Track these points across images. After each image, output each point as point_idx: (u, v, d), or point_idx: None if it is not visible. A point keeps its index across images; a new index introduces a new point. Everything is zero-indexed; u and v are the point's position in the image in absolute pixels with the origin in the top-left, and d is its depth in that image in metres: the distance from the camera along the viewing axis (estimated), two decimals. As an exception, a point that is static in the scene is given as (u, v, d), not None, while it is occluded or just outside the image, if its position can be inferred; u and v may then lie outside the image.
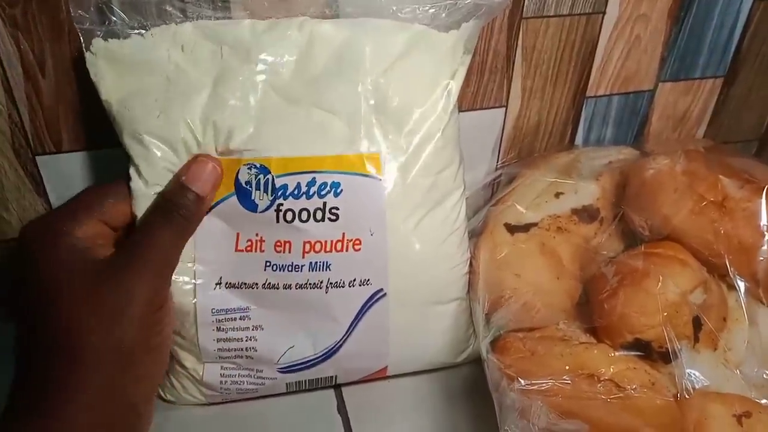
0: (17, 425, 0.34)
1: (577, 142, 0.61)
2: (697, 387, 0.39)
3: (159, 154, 0.41)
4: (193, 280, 0.42)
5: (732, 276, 0.43)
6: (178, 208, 0.39)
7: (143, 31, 0.41)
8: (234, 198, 0.41)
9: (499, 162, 0.60)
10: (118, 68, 0.41)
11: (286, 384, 0.47)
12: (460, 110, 0.54)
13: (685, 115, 0.64)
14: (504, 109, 0.57)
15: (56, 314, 0.36)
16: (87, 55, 0.41)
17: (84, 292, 0.36)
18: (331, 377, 0.48)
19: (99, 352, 0.35)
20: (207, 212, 0.41)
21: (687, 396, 0.39)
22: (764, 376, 0.42)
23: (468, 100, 0.55)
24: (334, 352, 0.45)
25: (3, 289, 0.52)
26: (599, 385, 0.38)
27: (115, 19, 0.40)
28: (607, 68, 0.58)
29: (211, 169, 0.40)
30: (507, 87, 0.55)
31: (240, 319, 0.43)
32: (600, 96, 0.59)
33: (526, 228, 0.48)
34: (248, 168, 0.41)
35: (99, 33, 0.40)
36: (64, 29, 0.43)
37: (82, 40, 0.41)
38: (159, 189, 0.41)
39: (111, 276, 0.36)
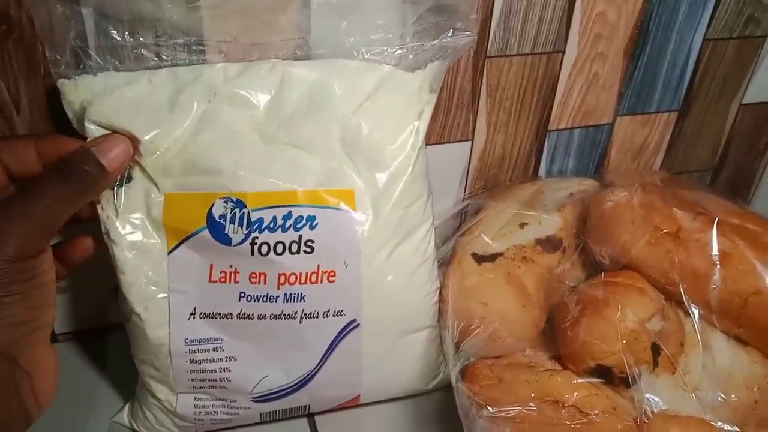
0: None
1: (541, 173, 0.64)
2: (655, 411, 0.41)
3: None
4: (167, 311, 0.43)
5: (686, 303, 0.46)
6: (78, 172, 0.37)
7: (116, 72, 0.42)
8: (206, 232, 0.42)
9: (467, 192, 0.62)
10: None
11: (260, 414, 0.48)
12: (429, 144, 0.56)
13: (643, 146, 0.67)
14: (470, 142, 0.59)
15: None
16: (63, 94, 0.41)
17: None
18: (305, 406, 0.48)
19: None
20: (183, 242, 0.42)
21: (646, 420, 0.40)
22: (720, 398, 0.44)
23: (436, 134, 0.57)
24: (308, 381, 0.46)
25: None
26: (564, 411, 0.40)
27: (90, 63, 0.41)
28: (568, 103, 0.60)
29: (123, 147, 0.39)
30: (473, 122, 0.58)
31: (213, 350, 0.44)
32: (561, 129, 0.62)
33: (492, 258, 0.50)
34: (224, 202, 0.42)
35: (74, 76, 0.41)
36: (40, 68, 0.44)
37: (56, 81, 0.41)
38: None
39: None
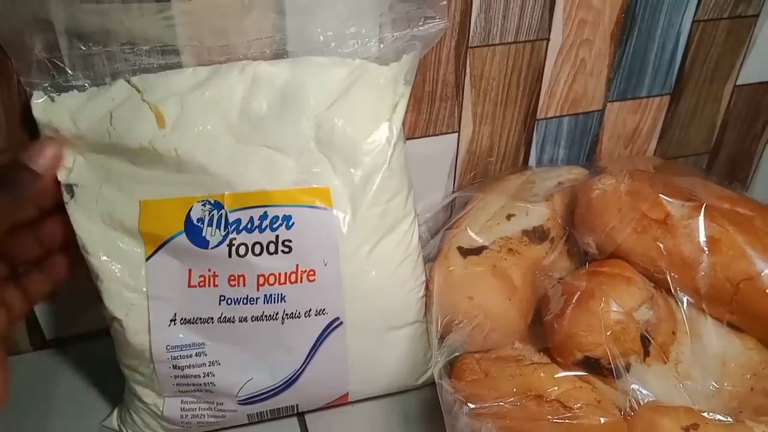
0: None
1: (531, 164, 0.63)
2: (642, 402, 0.40)
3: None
4: (147, 318, 0.43)
5: (674, 291, 0.45)
6: (12, 181, 0.39)
7: (88, 83, 0.42)
8: (183, 236, 0.42)
9: (456, 185, 0.61)
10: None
11: (248, 415, 0.47)
12: (415, 137, 0.56)
13: (635, 132, 0.65)
14: (457, 134, 0.58)
15: None
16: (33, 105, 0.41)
17: None
18: (293, 406, 0.48)
19: None
20: (160, 248, 0.42)
21: (631, 412, 0.40)
22: (711, 387, 0.43)
23: (421, 127, 0.56)
24: (293, 381, 0.46)
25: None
26: (546, 405, 0.39)
27: (59, 73, 0.41)
28: (555, 91, 0.59)
29: (52, 150, 0.40)
30: (458, 113, 0.57)
31: (196, 355, 0.44)
32: (550, 118, 0.61)
33: (478, 251, 0.49)
34: (202, 204, 0.42)
35: (45, 84, 0.41)
36: (13, 77, 0.43)
37: (28, 92, 0.41)
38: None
39: None
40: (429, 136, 0.57)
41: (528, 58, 0.57)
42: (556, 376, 0.41)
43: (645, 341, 0.44)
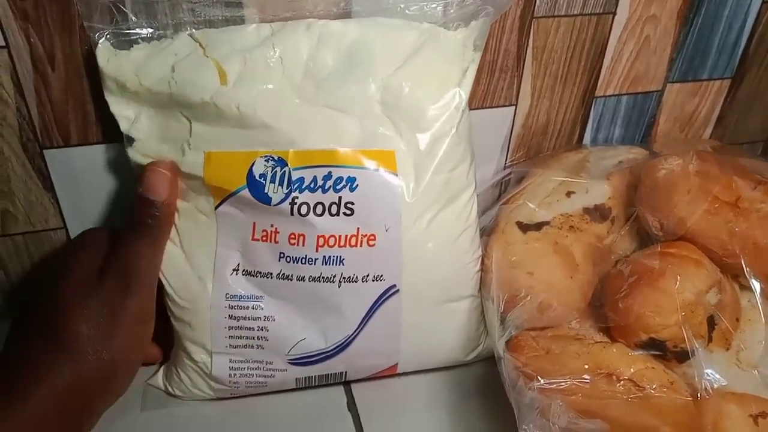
0: None
1: (585, 142, 0.61)
2: (715, 386, 0.39)
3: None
4: (212, 264, 0.43)
5: (748, 276, 0.43)
6: (145, 218, 0.41)
7: (150, 32, 0.42)
8: (246, 191, 0.41)
9: (508, 160, 0.60)
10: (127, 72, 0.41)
11: (296, 379, 0.47)
12: (471, 108, 0.54)
13: (693, 116, 0.64)
14: (514, 107, 0.56)
15: (62, 312, 0.39)
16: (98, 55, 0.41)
17: (83, 301, 0.40)
18: (341, 373, 0.47)
19: (85, 350, 0.39)
20: (224, 201, 0.42)
21: (706, 396, 0.39)
22: (779, 376, 0.42)
23: (478, 98, 0.55)
24: (345, 347, 0.45)
25: (6, 283, 0.52)
26: (618, 384, 0.38)
27: (122, 19, 0.41)
28: (617, 68, 0.58)
29: (162, 175, 0.41)
30: (517, 86, 0.55)
31: (253, 308, 0.43)
32: (609, 96, 0.59)
33: (538, 227, 0.48)
34: (265, 160, 0.41)
35: (107, 32, 0.41)
36: (75, 23, 0.42)
37: (91, 38, 0.41)
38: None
39: (103, 292, 0.40)
40: (485, 107, 0.55)
41: (592, 31, 0.55)
42: (629, 354, 0.40)
43: (711, 326, 0.43)
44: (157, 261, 0.42)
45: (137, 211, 0.41)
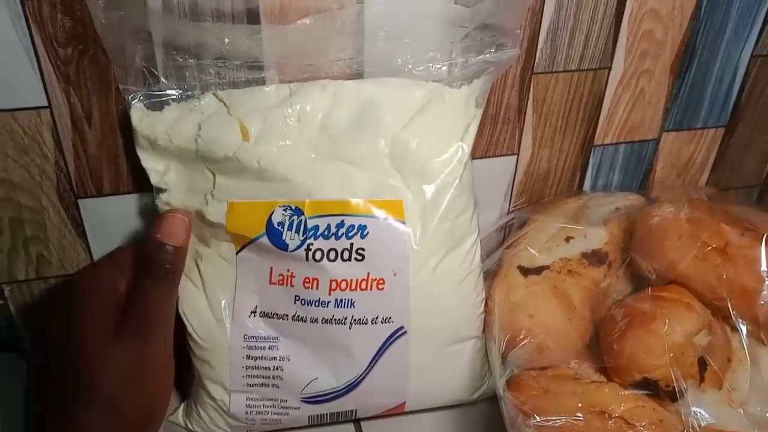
0: None
1: (586, 188, 0.64)
2: (702, 425, 0.41)
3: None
4: (232, 306, 0.46)
5: (734, 319, 0.46)
6: (161, 263, 0.42)
7: (179, 93, 0.45)
8: (265, 238, 0.44)
9: (511, 206, 0.63)
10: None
11: (309, 417, 0.49)
12: (475, 157, 0.57)
13: (689, 162, 0.66)
14: (516, 156, 0.60)
15: (85, 366, 0.40)
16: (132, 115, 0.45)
17: (106, 351, 0.40)
18: (352, 411, 0.50)
19: (116, 409, 0.40)
20: (244, 247, 0.45)
21: (693, 433, 0.41)
22: (767, 415, 0.44)
23: (482, 148, 0.58)
24: (356, 386, 0.47)
25: (30, 328, 0.54)
26: (610, 422, 0.40)
27: (154, 82, 0.45)
28: (614, 119, 0.61)
29: (180, 221, 0.44)
30: (519, 136, 0.59)
31: (269, 348, 0.46)
32: (607, 144, 0.62)
33: (538, 270, 0.51)
34: (283, 209, 0.44)
35: (140, 93, 0.45)
36: (111, 85, 0.46)
37: (126, 99, 0.45)
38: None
39: (125, 349, 0.41)
40: (489, 157, 0.59)
41: (590, 85, 0.58)
42: (621, 393, 0.42)
43: (702, 366, 0.45)
44: (172, 307, 0.44)
45: (153, 256, 0.42)
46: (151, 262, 0.42)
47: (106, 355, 0.40)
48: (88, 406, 0.39)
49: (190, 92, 0.46)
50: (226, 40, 0.44)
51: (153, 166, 0.46)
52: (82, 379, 0.40)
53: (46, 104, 0.46)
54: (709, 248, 0.48)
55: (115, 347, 0.40)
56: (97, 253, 0.52)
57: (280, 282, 0.45)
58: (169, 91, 0.45)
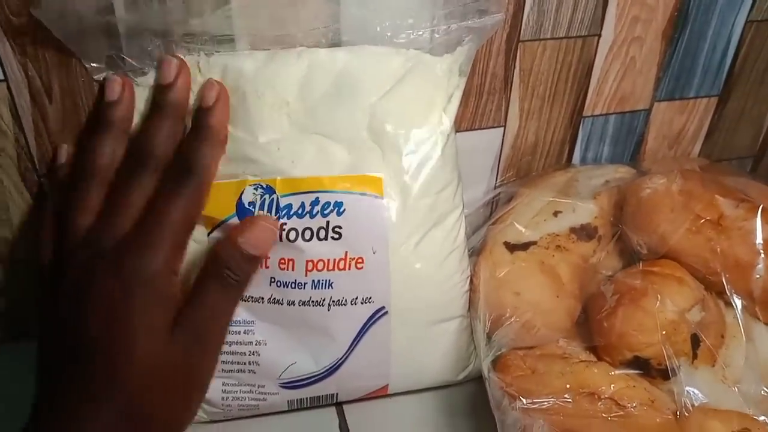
0: None
1: (575, 161, 0.62)
2: (695, 404, 0.40)
3: None
4: None
5: (729, 293, 0.44)
6: (236, 275, 0.38)
7: (148, 70, 0.42)
8: (236, 219, 0.42)
9: (498, 181, 0.61)
10: None
11: (288, 401, 0.47)
12: (460, 130, 0.55)
13: (681, 133, 0.65)
14: (502, 129, 0.57)
15: (124, 361, 0.34)
16: None
17: (155, 360, 0.35)
18: (333, 395, 0.48)
19: (145, 417, 0.34)
20: (214, 229, 0.42)
21: (686, 413, 0.39)
22: (762, 392, 0.43)
23: (467, 121, 0.56)
24: (336, 369, 0.46)
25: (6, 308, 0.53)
26: (600, 403, 0.39)
27: (125, 65, 0.42)
28: (603, 89, 0.59)
29: (270, 230, 0.40)
30: (505, 108, 0.56)
31: (245, 333, 0.44)
32: (597, 115, 0.60)
33: (525, 246, 0.49)
34: (254, 188, 0.42)
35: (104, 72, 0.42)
36: (71, 59, 0.44)
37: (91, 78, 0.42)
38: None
39: (179, 354, 0.36)
40: (474, 129, 0.57)
41: (578, 53, 0.56)
42: (610, 373, 0.40)
43: (695, 343, 0.44)
44: (231, 318, 0.39)
45: (229, 261, 0.37)
46: (224, 266, 0.37)
47: (154, 354, 0.34)
48: (109, 407, 0.33)
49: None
50: (193, 20, 0.41)
51: None
52: (117, 374, 0.34)
53: (2, 77, 0.43)
54: (703, 221, 0.46)
55: (169, 348, 0.35)
56: (65, 234, 0.50)
57: None
58: (137, 71, 0.42)
